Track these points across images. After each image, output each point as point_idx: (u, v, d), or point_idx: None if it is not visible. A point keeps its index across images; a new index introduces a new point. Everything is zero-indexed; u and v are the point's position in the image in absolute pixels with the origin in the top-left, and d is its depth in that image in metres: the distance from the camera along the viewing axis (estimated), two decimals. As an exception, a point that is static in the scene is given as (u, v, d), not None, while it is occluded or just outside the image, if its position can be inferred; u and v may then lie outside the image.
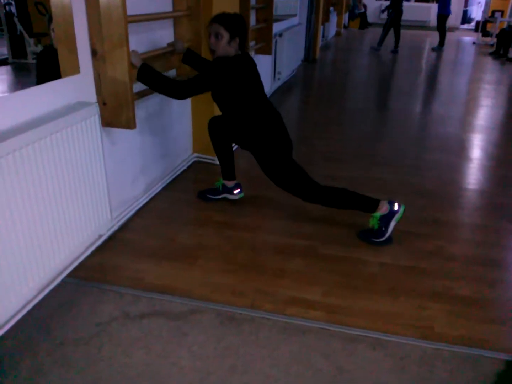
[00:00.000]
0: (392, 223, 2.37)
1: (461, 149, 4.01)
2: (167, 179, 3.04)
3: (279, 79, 5.98)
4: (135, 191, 2.68)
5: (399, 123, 4.80)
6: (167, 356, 1.66)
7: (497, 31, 10.62)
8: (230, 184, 2.79)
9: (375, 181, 3.19)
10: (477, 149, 4.12)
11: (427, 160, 3.70)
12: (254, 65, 2.48)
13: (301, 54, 7.83)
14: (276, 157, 2.45)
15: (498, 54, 9.68)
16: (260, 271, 2.16)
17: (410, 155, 3.81)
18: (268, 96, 5.48)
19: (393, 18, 9.76)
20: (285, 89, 6.14)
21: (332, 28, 12.05)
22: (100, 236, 2.31)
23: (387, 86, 6.75)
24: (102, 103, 2.20)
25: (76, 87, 2.07)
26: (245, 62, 2.40)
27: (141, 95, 2.44)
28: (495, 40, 10.44)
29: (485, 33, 12.69)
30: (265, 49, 4.63)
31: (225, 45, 2.31)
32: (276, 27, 5.42)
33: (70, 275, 2.07)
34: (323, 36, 10.18)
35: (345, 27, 14.44)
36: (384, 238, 2.38)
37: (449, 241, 2.46)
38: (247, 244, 2.38)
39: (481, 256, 2.33)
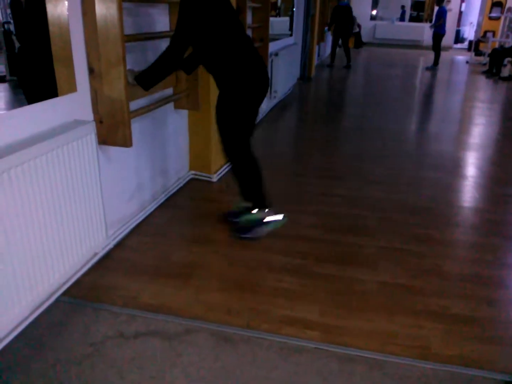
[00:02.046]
0: (263, 229, 2.52)
1: (455, 167, 4.04)
2: (164, 196, 3.04)
3: (275, 97, 6.03)
4: (131, 208, 2.67)
5: (394, 141, 4.84)
6: (162, 378, 1.63)
7: (489, 51, 10.80)
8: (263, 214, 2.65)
9: (369, 199, 3.20)
10: (471, 167, 4.15)
11: (422, 178, 3.72)
12: None
13: (296, 73, 7.92)
14: (238, 96, 2.34)
15: (491, 73, 9.82)
16: (255, 289, 2.14)
17: (405, 173, 3.83)
18: (264, 114, 5.54)
19: None
20: (281, 107, 6.19)
21: (327, 47, 12.21)
22: (96, 254, 2.29)
23: (382, 104, 6.81)
24: (99, 121, 2.21)
25: (73, 105, 2.08)
26: None
27: (137, 113, 2.45)
28: (487, 59, 10.61)
29: (478, 53, 12.91)
30: (261, 68, 4.67)
31: None
32: (272, 47, 5.49)
33: (64, 293, 2.05)
34: (318, 55, 10.32)
35: (340, 46, 14.63)
36: (249, 236, 2.52)
37: (444, 259, 2.46)
38: (242, 262, 2.37)
39: (477, 274, 2.33)
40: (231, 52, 2.31)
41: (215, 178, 3.41)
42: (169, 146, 3.09)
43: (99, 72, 2.13)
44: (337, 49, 10.42)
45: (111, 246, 2.42)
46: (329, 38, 11.99)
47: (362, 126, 5.61)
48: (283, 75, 6.25)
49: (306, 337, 1.84)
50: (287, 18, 7.71)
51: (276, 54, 5.72)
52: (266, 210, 2.53)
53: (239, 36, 2.33)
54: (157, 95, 2.77)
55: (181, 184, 3.28)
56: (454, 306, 2.06)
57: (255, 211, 2.52)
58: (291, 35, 7.52)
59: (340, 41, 10.32)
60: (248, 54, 2.35)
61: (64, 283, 2.06)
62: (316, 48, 8.92)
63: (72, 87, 2.06)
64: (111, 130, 2.22)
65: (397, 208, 3.08)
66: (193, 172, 3.44)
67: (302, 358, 1.74)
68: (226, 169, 3.56)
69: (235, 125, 2.41)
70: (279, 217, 2.57)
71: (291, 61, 6.97)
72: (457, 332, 1.90)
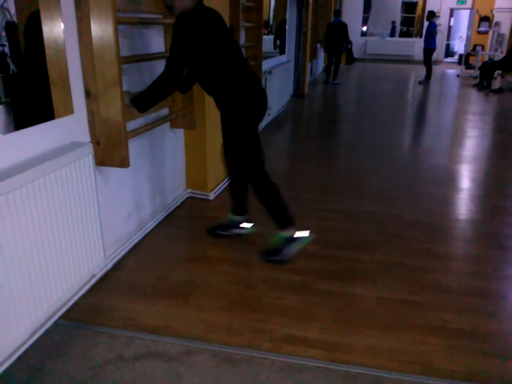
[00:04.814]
0: (293, 249, 2.49)
1: (450, 180, 4.07)
2: (161, 216, 3.04)
3: (269, 114, 6.08)
4: (129, 228, 2.66)
5: (388, 155, 4.87)
6: (163, 400, 1.61)
7: (479, 64, 10.96)
8: (240, 219, 2.79)
9: (366, 214, 3.21)
10: (466, 179, 4.18)
11: (418, 191, 3.74)
12: (218, 14, 2.31)
13: (290, 89, 7.99)
14: (242, 121, 2.36)
15: (482, 85, 9.95)
16: (255, 308, 2.13)
17: (400, 187, 3.85)
18: (259, 131, 5.57)
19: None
20: (275, 123, 6.23)
21: (319, 64, 12.36)
22: (94, 276, 2.28)
23: (375, 119, 6.88)
24: (96, 142, 2.22)
25: (70, 127, 2.09)
26: (206, 10, 2.26)
27: (134, 133, 2.46)
28: (478, 72, 10.76)
29: (468, 66, 13.09)
30: (256, 86, 4.72)
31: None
32: (266, 64, 5.56)
33: (62, 316, 2.03)
34: (311, 72, 10.44)
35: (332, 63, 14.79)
36: (281, 258, 2.49)
37: (444, 273, 2.46)
38: (242, 281, 2.36)
39: (477, 287, 2.33)
40: (229, 73, 2.31)
41: (212, 196, 3.41)
42: (166, 165, 3.09)
43: (96, 93, 2.15)
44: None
45: (109, 267, 2.40)
46: (321, 55, 12.14)
47: (356, 141, 5.65)
48: (277, 93, 6.31)
49: (308, 355, 1.83)
50: (270, 37, 7.75)
51: (270, 72, 5.78)
52: (293, 228, 2.50)
53: (235, 56, 2.34)
54: (153, 115, 2.79)
55: (178, 203, 3.28)
56: (456, 320, 2.05)
57: (284, 231, 2.49)
58: (280, 53, 7.54)
59: (333, 58, 10.42)
60: (246, 74, 2.36)
61: (62, 306, 2.04)
62: (308, 65, 9.02)
63: (68, 109, 2.07)
64: (109, 151, 2.23)
65: (394, 222, 3.09)
66: (190, 190, 3.44)
67: (304, 377, 1.73)
68: (223, 187, 3.57)
69: (249, 149, 2.43)
70: (306, 233, 2.54)
71: (285, 78, 7.05)
72: (460, 347, 1.89)
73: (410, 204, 3.42)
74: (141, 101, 2.28)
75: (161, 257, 2.59)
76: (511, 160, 4.80)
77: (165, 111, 2.98)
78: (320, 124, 6.57)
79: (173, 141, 3.17)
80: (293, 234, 2.50)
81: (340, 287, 2.30)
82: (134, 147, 2.62)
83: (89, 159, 2.08)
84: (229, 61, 2.30)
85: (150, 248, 2.69)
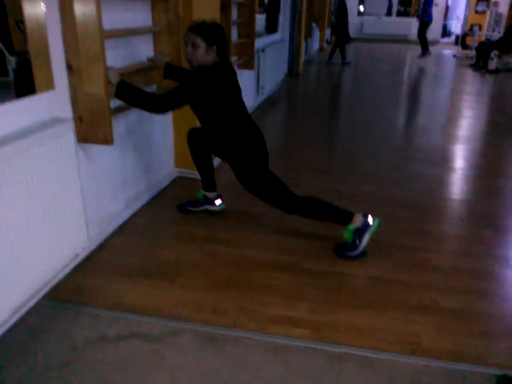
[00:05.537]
0: (366, 237, 2.31)
1: (444, 160, 4.02)
2: (149, 195, 2.98)
3: (262, 93, 5.98)
4: (115, 207, 2.60)
5: (383, 135, 4.81)
6: (145, 382, 1.58)
7: (476, 44, 10.83)
8: (211, 195, 2.75)
9: (360, 194, 3.16)
10: (460, 159, 4.14)
11: (412, 172, 3.69)
12: (234, 73, 2.44)
13: (284, 68, 7.86)
14: (252, 168, 2.42)
15: (478, 66, 9.84)
16: (242, 288, 2.09)
17: (394, 167, 3.80)
18: (251, 111, 5.49)
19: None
20: (269, 103, 6.14)
21: (314, 43, 12.17)
22: (77, 255, 2.23)
23: (370, 99, 6.79)
24: (78, 119, 2.14)
25: (51, 103, 2.01)
26: (224, 70, 2.37)
27: (118, 110, 2.39)
28: (474, 53, 10.64)
29: (465, 46, 12.94)
30: (248, 64, 4.62)
31: (203, 55, 2.27)
32: (259, 43, 5.44)
33: (45, 297, 1.98)
34: (306, 51, 10.27)
35: (327, 42, 14.61)
36: (358, 252, 2.32)
37: (435, 253, 2.43)
38: (229, 260, 2.32)
39: (468, 267, 2.30)
40: (231, 127, 2.39)
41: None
42: (154, 143, 3.02)
43: (78, 68, 2.06)
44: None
45: (93, 246, 2.35)
46: (316, 34, 11.95)
47: (351, 121, 5.59)
48: (270, 71, 6.19)
49: (295, 335, 1.80)
50: (263, 16, 7.51)
51: (263, 50, 5.66)
52: (357, 218, 2.33)
53: (239, 113, 2.42)
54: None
55: (167, 182, 3.22)
56: (445, 299, 2.03)
57: (347, 226, 2.34)
58: (271, 31, 7.30)
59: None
60: (247, 128, 2.43)
61: (44, 286, 1.99)
62: (303, 43, 8.87)
63: (49, 84, 1.99)
64: (92, 128, 2.15)
65: (388, 202, 3.05)
66: (179, 169, 3.38)
67: (291, 357, 1.70)
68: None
69: (266, 185, 2.43)
70: (370, 220, 2.33)
71: (278, 57, 6.92)
72: (449, 327, 1.86)
73: (403, 184, 3.38)
74: (125, 92, 2.21)
75: (148, 236, 2.54)
76: (505, 140, 4.76)
77: (152, 88, 2.90)
78: (314, 104, 6.48)
79: (161, 119, 3.09)
80: (359, 225, 2.32)
81: (329, 267, 2.26)
82: (120, 124, 2.54)
83: (70, 136, 2.01)
84: (232, 114, 2.38)
85: (137, 227, 2.64)
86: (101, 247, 2.39)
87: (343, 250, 2.36)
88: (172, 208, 2.86)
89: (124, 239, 2.50)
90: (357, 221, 2.32)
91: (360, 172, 3.63)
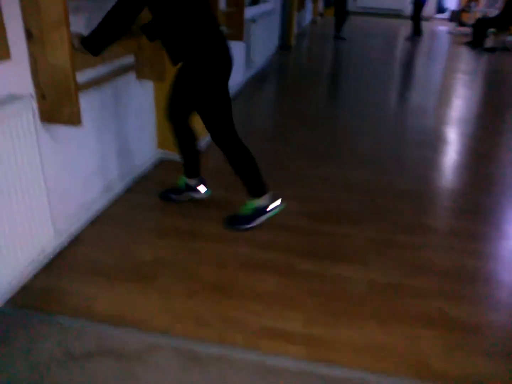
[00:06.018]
0: (263, 218, 2.32)
1: (441, 144, 3.80)
2: (129, 180, 2.70)
3: (252, 67, 5.65)
4: (89, 195, 2.33)
5: (378, 115, 4.56)
6: (114, 411, 1.36)
7: (472, 21, 10.50)
8: (192, 181, 2.50)
9: (355, 181, 2.93)
10: (457, 142, 3.92)
11: (408, 157, 3.46)
12: None
13: (275, 41, 7.50)
14: (207, 76, 2.08)
15: (474, 44, 9.56)
16: (229, 293, 1.86)
17: (390, 151, 3.56)
18: (241, 85, 5.18)
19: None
20: (259, 78, 5.82)
21: (307, 15, 11.72)
22: (45, 253, 1.97)
23: (364, 75, 6.51)
24: (41, 95, 1.85)
25: (6, 76, 1.71)
26: None
27: (90, 84, 2.09)
28: (470, 30, 10.32)
29: (460, 23, 12.60)
30: (237, 35, 4.28)
31: None
32: (249, 12, 5.09)
33: (6, 303, 1.73)
34: (298, 24, 9.85)
35: (321, 15, 14.14)
36: (249, 226, 2.30)
37: (439, 252, 2.22)
38: (215, 258, 2.08)
39: (477, 271, 2.09)
40: (191, 22, 2.00)
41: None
42: (133, 121, 2.72)
43: (39, 36, 1.76)
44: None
45: (63, 241, 2.09)
46: (309, 5, 11.50)
47: (342, 100, 5.32)
48: (261, 43, 5.85)
49: (287, 353, 1.58)
50: None
51: (254, 21, 5.31)
52: (267, 196, 2.31)
53: (201, 9, 2.03)
54: (116, 62, 2.40)
55: (149, 165, 2.95)
56: (454, 310, 1.82)
57: (256, 199, 2.30)
58: (262, 0, 6.86)
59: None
60: (210, 26, 2.07)
61: (4, 290, 1.74)
62: (296, 15, 8.46)
63: (4, 54, 1.68)
64: (56, 106, 1.86)
65: (385, 191, 2.82)
66: (162, 151, 3.09)
67: (283, 379, 1.48)
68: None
69: (217, 110, 2.18)
70: (278, 202, 2.35)
71: (270, 28, 6.56)
72: (459, 343, 1.66)
73: (401, 171, 3.16)
74: (92, 41, 1.89)
75: (126, 229, 2.28)
76: (501, 121, 4.55)
77: (130, 58, 2.59)
78: (305, 80, 6.16)
79: (140, 95, 2.79)
80: (265, 204, 2.32)
81: (325, 268, 2.04)
82: (94, 100, 2.25)
83: (30, 115, 1.72)
84: (192, 12, 2.00)
85: (115, 218, 2.38)
86: (74, 242, 2.14)
87: (236, 222, 2.32)
88: (154, 195, 2.60)
89: (99, 232, 2.24)
90: (265, 201, 2.30)
91: (354, 155, 3.39)
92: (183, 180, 2.50)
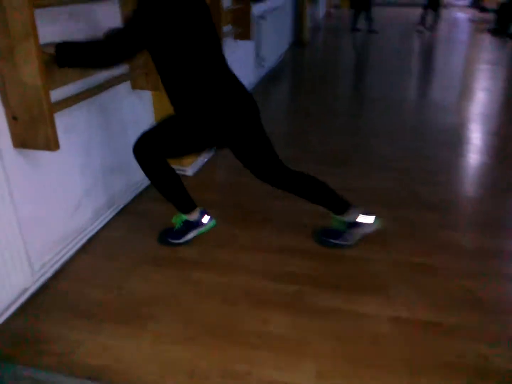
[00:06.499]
0: (357, 234, 2.08)
1: (466, 144, 3.49)
2: (124, 200, 2.48)
3: (263, 66, 5.38)
4: (78, 222, 2.11)
5: (399, 113, 4.25)
6: None
7: (495, 6, 9.98)
8: (192, 216, 2.13)
9: (377, 191, 2.64)
10: (484, 143, 3.57)
11: (432, 159, 3.15)
12: (202, 3, 1.77)
13: (288, 37, 7.21)
14: (245, 129, 1.87)
15: (498, 31, 9.07)
16: (230, 337, 1.61)
17: (411, 153, 3.25)
18: (252, 86, 4.92)
19: None
20: (271, 77, 5.55)
21: (321, 8, 11.37)
22: (25, 290, 1.76)
23: (383, 70, 6.17)
24: (12, 117, 1.63)
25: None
26: None
27: (68, 103, 1.84)
28: (493, 16, 9.81)
29: (482, 8, 12.06)
30: (245, 34, 4.03)
31: None
32: (257, 8, 4.82)
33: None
34: (312, 18, 9.52)
35: (336, 7, 13.76)
36: (346, 243, 2.08)
37: (476, 278, 1.91)
38: (217, 293, 1.83)
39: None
40: (197, 69, 1.76)
41: (190, 171, 2.84)
42: (128, 134, 2.48)
43: (7, 49, 1.54)
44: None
45: (46, 277, 1.87)
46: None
47: (363, 96, 5.03)
48: (272, 40, 5.58)
49: (299, 417, 1.33)
50: None
51: (263, 17, 5.04)
52: (353, 209, 2.06)
53: (211, 50, 1.80)
54: (105, 74, 2.17)
55: (147, 183, 2.71)
56: (501, 354, 1.53)
57: (341, 215, 2.07)
58: None
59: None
60: (220, 73, 1.83)
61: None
62: (309, 8, 8.14)
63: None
64: (29, 129, 1.64)
65: (409, 201, 2.53)
66: (163, 164, 2.86)
67: None
68: (204, 160, 2.99)
69: (259, 154, 1.96)
70: (371, 219, 2.07)
71: (281, 24, 6.27)
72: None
73: (424, 177, 2.86)
74: (66, 52, 1.64)
75: (117, 258, 2.06)
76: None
77: (123, 68, 2.36)
78: (322, 77, 5.86)
79: (137, 107, 2.56)
80: (355, 218, 2.05)
81: (342, 301, 1.77)
82: (81, 113, 2.04)
83: (-5, 143, 1.51)
84: (202, 63, 1.76)
85: (106, 244, 2.16)
86: (56, 276, 1.92)
87: (328, 235, 2.12)
88: (152, 216, 2.37)
89: (88, 261, 2.03)
90: (353, 215, 2.06)
91: (374, 160, 3.12)
92: (181, 218, 2.14)
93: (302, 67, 6.58)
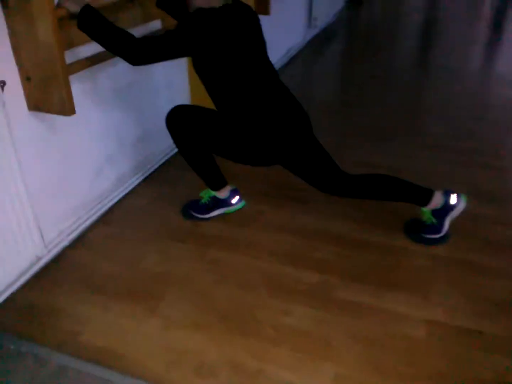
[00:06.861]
0: (448, 219, 1.84)
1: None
2: (150, 168, 2.37)
3: (315, 26, 5.04)
4: (99, 188, 2.03)
5: (454, 85, 3.84)
6: None
7: None
8: (222, 194, 2.01)
9: (427, 175, 2.37)
10: None
11: (494, 141, 2.80)
12: (255, 19, 1.69)
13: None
14: (303, 148, 1.78)
15: None
16: (246, 329, 1.48)
17: (469, 133, 2.90)
18: (302, 47, 4.63)
19: None
20: (323, 39, 5.20)
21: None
22: (38, 258, 1.70)
23: (446, 35, 5.64)
24: (25, 77, 1.52)
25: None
26: (239, 15, 1.61)
27: (84, 65, 1.70)
28: None
29: None
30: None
31: None
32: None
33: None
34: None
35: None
36: (439, 235, 1.85)
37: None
38: (235, 276, 1.70)
39: None
40: (255, 98, 1.69)
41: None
42: (158, 100, 2.35)
43: (19, 3, 1.41)
44: None
45: (62, 246, 1.81)
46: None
47: (421, 64, 4.61)
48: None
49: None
50: None
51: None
52: (436, 193, 1.83)
53: (266, 78, 1.71)
54: (140, 28, 2.01)
55: (175, 151, 2.58)
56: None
57: (427, 206, 1.85)
58: None
59: None
60: (281, 101, 1.74)
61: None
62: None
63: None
64: (43, 91, 1.53)
65: (465, 189, 2.24)
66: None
67: None
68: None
69: (316, 166, 1.83)
70: (454, 198, 1.84)
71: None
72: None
73: (482, 162, 2.54)
74: (90, 22, 1.50)
75: (137, 229, 1.97)
76: None
77: (156, 23, 2.19)
78: (378, 40, 5.43)
79: (170, 71, 2.40)
80: (440, 205, 1.83)
81: (373, 298, 1.60)
82: (106, 77, 1.91)
83: None
84: (254, 84, 1.68)
85: (127, 214, 2.07)
86: (75, 245, 1.86)
87: (421, 230, 1.89)
88: (178, 185, 2.26)
89: (106, 233, 1.94)
90: (437, 201, 1.82)
91: (425, 139, 2.81)
92: (209, 194, 2.02)
93: (356, 29, 6.13)
